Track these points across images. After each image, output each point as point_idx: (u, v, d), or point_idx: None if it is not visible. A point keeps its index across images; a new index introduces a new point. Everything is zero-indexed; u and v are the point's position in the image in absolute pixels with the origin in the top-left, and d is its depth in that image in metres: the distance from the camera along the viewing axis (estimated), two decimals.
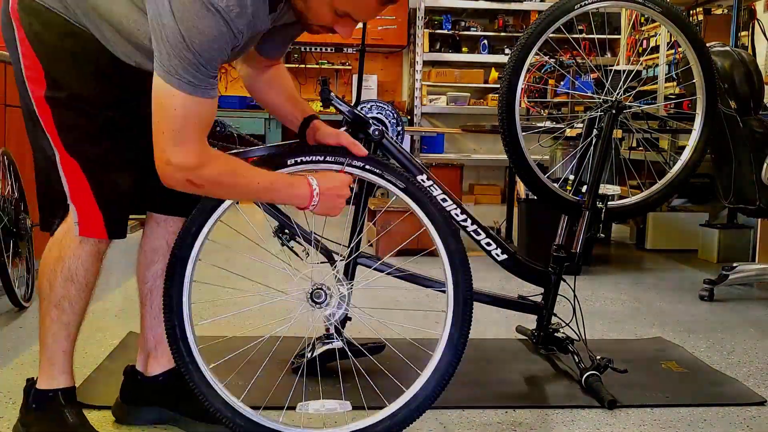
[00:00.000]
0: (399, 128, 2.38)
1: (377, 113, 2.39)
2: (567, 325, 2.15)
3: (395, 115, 2.32)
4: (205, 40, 1.25)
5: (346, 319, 2.09)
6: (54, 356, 1.57)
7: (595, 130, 2.20)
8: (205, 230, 1.61)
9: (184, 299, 1.59)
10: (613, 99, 2.18)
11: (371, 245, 4.20)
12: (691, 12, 4.62)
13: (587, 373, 2.03)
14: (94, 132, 1.48)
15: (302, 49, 6.94)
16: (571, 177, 2.28)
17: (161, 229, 1.72)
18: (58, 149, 1.47)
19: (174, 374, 1.72)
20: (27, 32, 1.43)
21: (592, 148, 2.20)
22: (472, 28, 7.11)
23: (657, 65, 4.95)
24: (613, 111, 2.17)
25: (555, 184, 2.23)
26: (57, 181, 1.50)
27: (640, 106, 3.01)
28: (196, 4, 1.23)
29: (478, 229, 2.04)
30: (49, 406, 1.57)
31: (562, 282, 2.16)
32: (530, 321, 2.31)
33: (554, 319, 2.19)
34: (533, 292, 2.20)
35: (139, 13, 1.35)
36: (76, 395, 1.62)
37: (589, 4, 2.12)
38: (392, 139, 2.05)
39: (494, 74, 7.04)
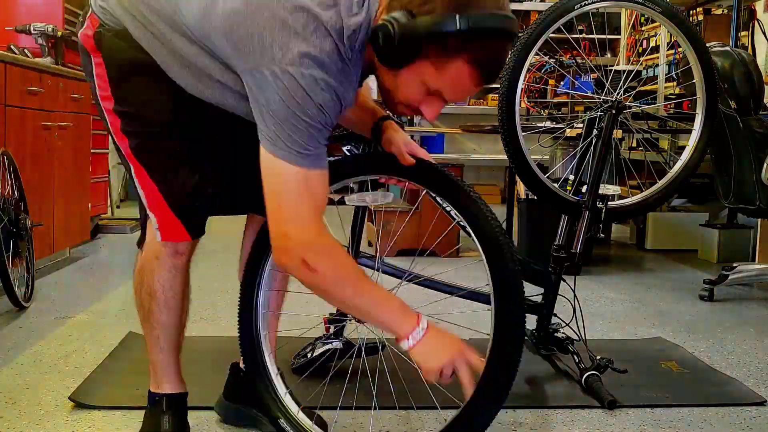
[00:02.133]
0: None
1: None
2: (567, 325, 2.15)
3: (395, 115, 2.32)
4: (317, 111, 1.24)
5: (346, 319, 2.09)
6: (155, 364, 1.61)
7: (595, 130, 2.20)
8: None
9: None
10: (613, 99, 2.18)
11: (370, 245, 4.20)
12: (691, 12, 4.62)
13: (587, 373, 2.03)
14: (157, 135, 1.47)
15: None
16: (571, 177, 2.28)
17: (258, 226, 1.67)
18: (129, 158, 1.48)
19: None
20: (103, 55, 1.44)
21: (592, 148, 2.20)
22: None
23: (657, 65, 4.95)
24: (613, 111, 2.17)
25: (555, 184, 2.22)
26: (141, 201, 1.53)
27: (640, 106, 3.01)
28: (311, 83, 1.22)
29: None
30: (154, 408, 1.61)
31: (562, 282, 2.16)
32: (530, 321, 2.31)
33: (554, 319, 2.19)
34: (533, 292, 2.20)
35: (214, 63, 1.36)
36: (185, 402, 1.64)
37: (589, 4, 2.12)
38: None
39: None
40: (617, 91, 2.19)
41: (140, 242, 1.59)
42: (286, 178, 1.26)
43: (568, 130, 3.29)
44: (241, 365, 1.72)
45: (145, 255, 1.55)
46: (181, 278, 1.55)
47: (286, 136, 1.24)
